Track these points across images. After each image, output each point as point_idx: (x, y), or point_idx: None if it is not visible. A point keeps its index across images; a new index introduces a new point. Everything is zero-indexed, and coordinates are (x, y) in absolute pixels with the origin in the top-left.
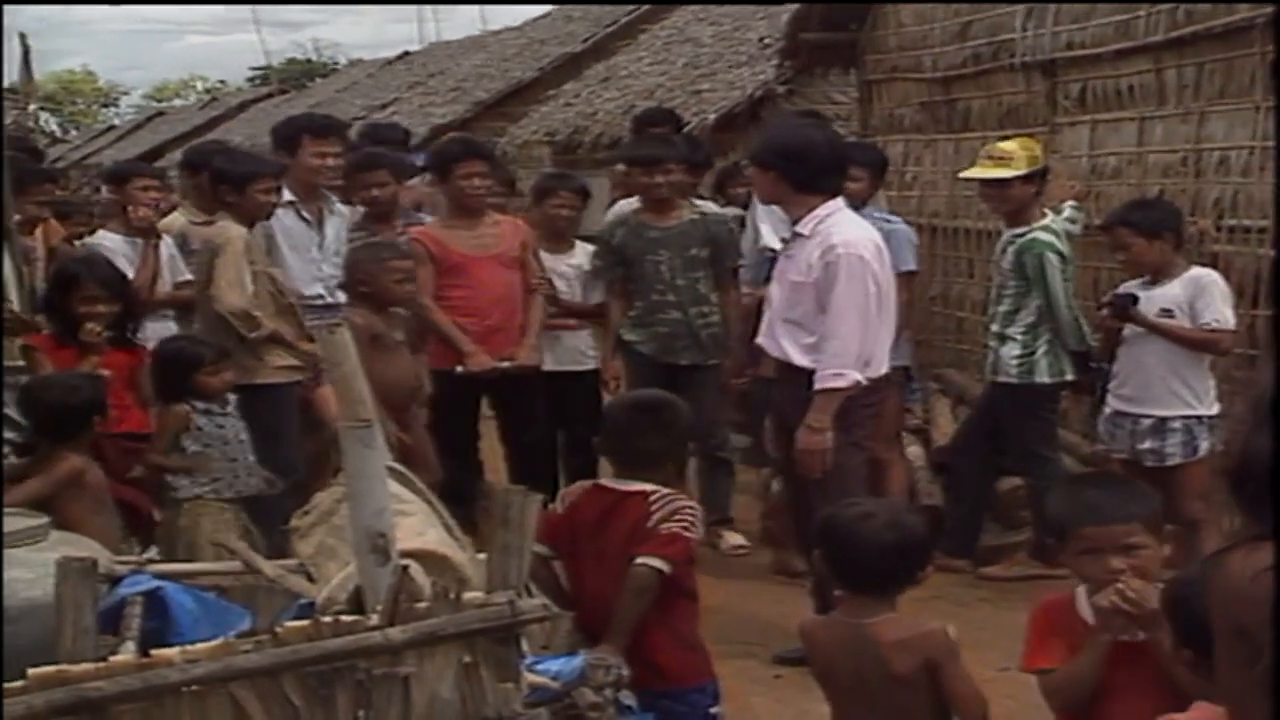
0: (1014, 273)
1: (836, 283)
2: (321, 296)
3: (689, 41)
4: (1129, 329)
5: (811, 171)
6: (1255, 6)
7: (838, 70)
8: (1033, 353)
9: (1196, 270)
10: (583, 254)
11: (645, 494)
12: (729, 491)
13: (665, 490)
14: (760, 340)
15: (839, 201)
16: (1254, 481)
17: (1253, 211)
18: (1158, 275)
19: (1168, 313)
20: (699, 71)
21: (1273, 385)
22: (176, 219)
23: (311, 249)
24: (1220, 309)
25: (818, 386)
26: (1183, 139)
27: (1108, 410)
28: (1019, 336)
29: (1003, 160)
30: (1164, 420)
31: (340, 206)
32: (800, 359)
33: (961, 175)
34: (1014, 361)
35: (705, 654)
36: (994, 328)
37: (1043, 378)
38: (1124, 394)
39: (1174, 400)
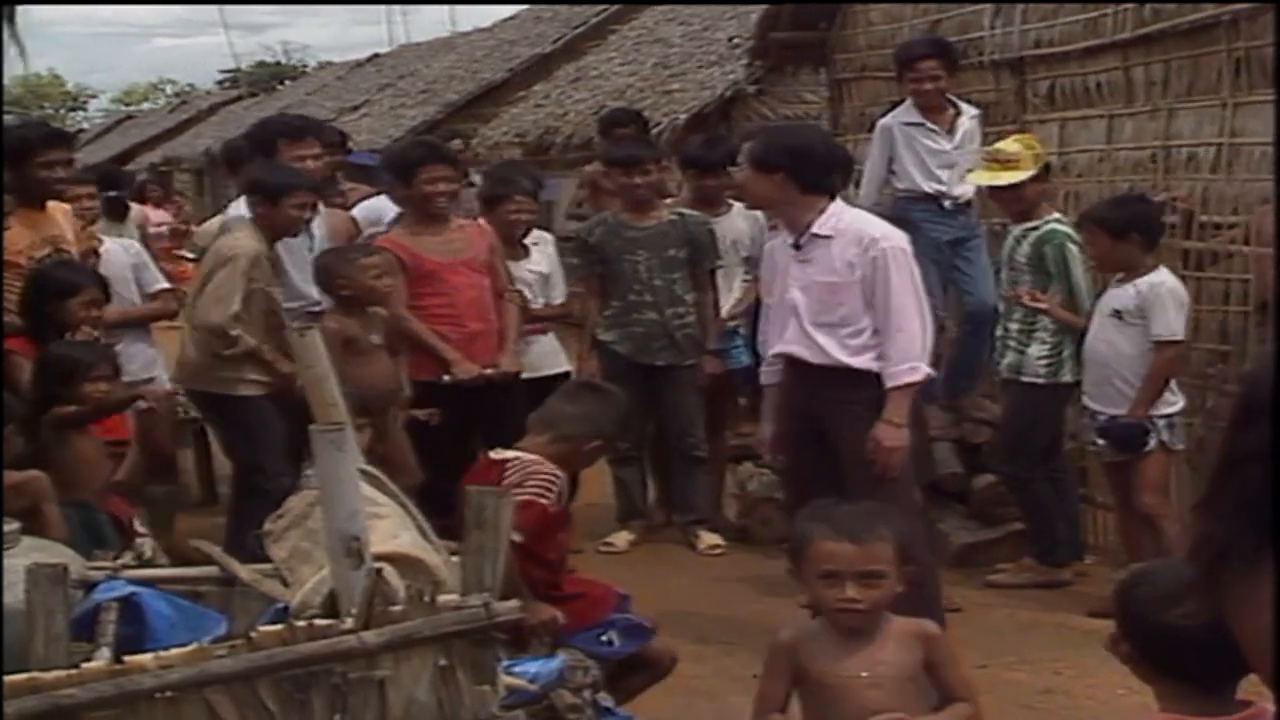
0: (1031, 266)
1: (890, 278)
2: (318, 302)
3: (659, 42)
4: (1093, 329)
5: (818, 171)
6: (1221, 4)
7: (808, 69)
8: (1060, 352)
9: (1158, 275)
10: (540, 256)
11: (505, 462)
12: (705, 491)
13: (526, 457)
14: (785, 349)
15: (840, 201)
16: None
17: (1223, 208)
18: (1127, 275)
19: (1118, 314)
20: (669, 72)
21: (1269, 382)
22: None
23: (304, 252)
24: (1170, 320)
25: (894, 383)
26: (1151, 136)
27: (1081, 404)
28: (1047, 337)
29: (1010, 163)
30: (1114, 418)
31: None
32: (853, 360)
33: (970, 181)
34: (1042, 362)
35: (585, 600)
36: (1013, 326)
37: (1067, 377)
38: (1086, 390)
39: (1120, 400)
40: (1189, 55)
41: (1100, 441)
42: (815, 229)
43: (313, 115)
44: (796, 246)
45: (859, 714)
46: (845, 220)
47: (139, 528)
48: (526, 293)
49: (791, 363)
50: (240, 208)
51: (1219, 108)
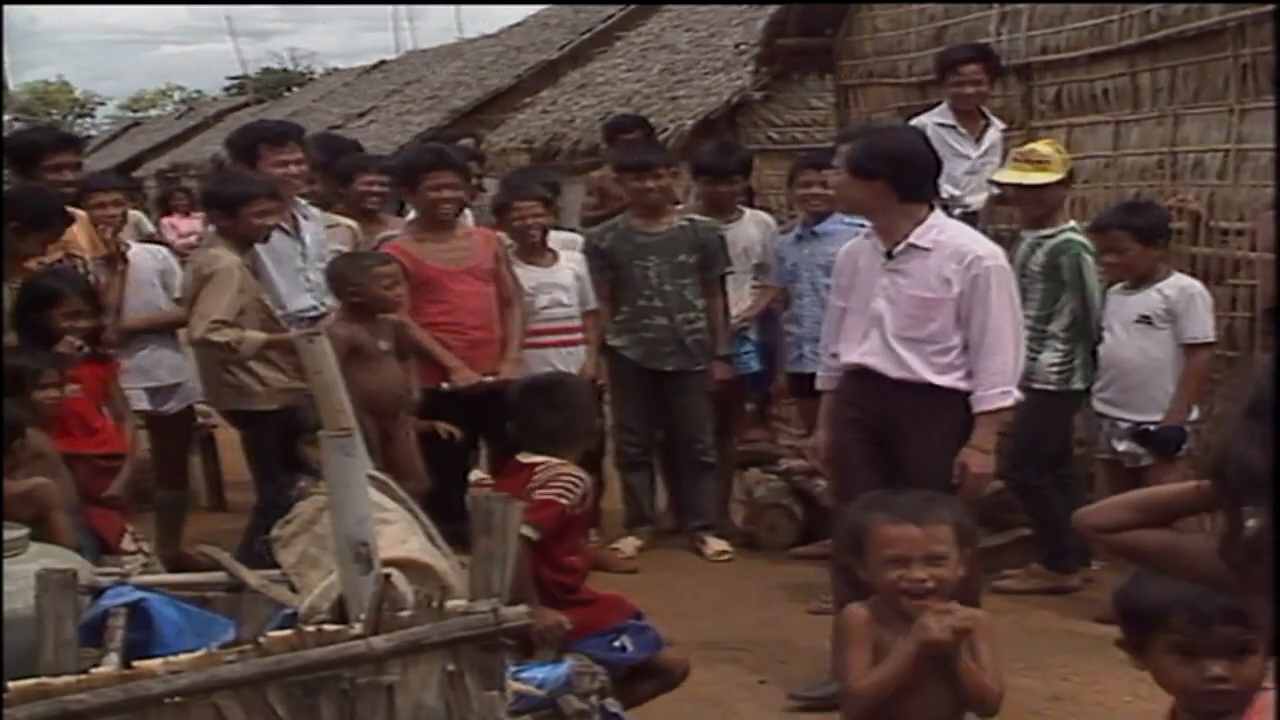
0: (1044, 275)
1: (990, 297)
2: (315, 307)
3: (665, 48)
4: (1109, 334)
5: (918, 178)
6: (1227, 9)
7: (814, 76)
8: (1072, 359)
9: (1180, 279)
10: (570, 263)
11: (534, 466)
12: (713, 497)
13: (554, 462)
14: (863, 360)
15: (939, 212)
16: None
17: (1229, 214)
18: (1141, 280)
19: (1145, 319)
20: (676, 78)
21: (1269, 387)
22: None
23: (295, 259)
24: (1204, 322)
25: (986, 407)
26: (1158, 142)
27: (1090, 411)
28: (1059, 345)
29: (1041, 164)
30: (1139, 424)
31: (312, 210)
32: (938, 379)
33: (997, 179)
34: (1053, 369)
35: (599, 606)
36: (1024, 333)
37: (1078, 384)
38: (1105, 396)
39: (1152, 406)
40: (1195, 61)
41: (1138, 448)
42: (913, 239)
43: (319, 122)
44: (889, 255)
45: (918, 694)
46: (946, 233)
47: (127, 544)
48: (563, 297)
49: (861, 374)
50: None
51: (1226, 113)
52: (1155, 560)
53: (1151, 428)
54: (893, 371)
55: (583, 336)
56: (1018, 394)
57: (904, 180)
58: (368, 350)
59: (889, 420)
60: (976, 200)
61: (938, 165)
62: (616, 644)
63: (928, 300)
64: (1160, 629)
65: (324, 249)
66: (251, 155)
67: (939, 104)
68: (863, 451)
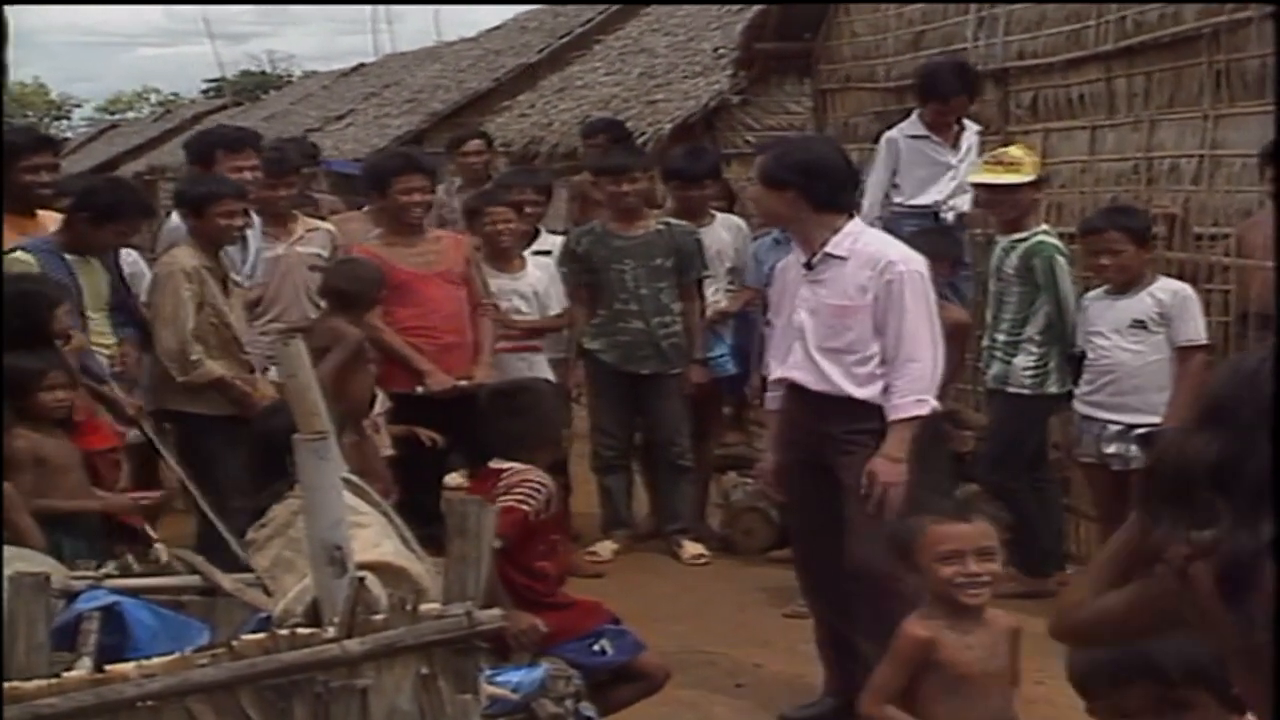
0: (1019, 278)
1: (905, 304)
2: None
3: (644, 52)
4: (1099, 339)
5: (832, 188)
6: (1202, 16)
7: (792, 79)
8: (1046, 363)
9: (1171, 282)
10: (537, 270)
11: (500, 471)
12: (690, 500)
13: (519, 467)
14: (788, 373)
15: (858, 220)
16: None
17: (1204, 219)
18: (1129, 284)
19: (1139, 324)
20: (654, 82)
21: (1223, 394)
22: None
23: (241, 268)
24: (1199, 324)
25: (900, 415)
26: (1134, 147)
27: (1069, 414)
28: (1034, 349)
29: (1012, 166)
30: (1131, 428)
31: (253, 219)
32: (858, 390)
33: (972, 180)
34: (1027, 373)
35: (577, 610)
36: (1000, 337)
37: (1053, 388)
38: (1094, 400)
39: (1148, 409)
40: (1170, 67)
41: (1129, 450)
42: (829, 249)
43: (297, 124)
44: (808, 266)
45: (984, 701)
46: (862, 241)
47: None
48: (522, 306)
49: (793, 389)
50: (176, 219)
51: (1200, 119)
52: (1128, 629)
53: (1154, 431)
54: (814, 384)
55: (538, 343)
56: (934, 403)
57: (815, 190)
58: (364, 352)
59: (818, 435)
60: (963, 202)
61: (853, 175)
62: (596, 648)
63: (845, 308)
64: (1091, 697)
65: (259, 271)
66: (208, 159)
67: (913, 110)
68: (807, 473)
